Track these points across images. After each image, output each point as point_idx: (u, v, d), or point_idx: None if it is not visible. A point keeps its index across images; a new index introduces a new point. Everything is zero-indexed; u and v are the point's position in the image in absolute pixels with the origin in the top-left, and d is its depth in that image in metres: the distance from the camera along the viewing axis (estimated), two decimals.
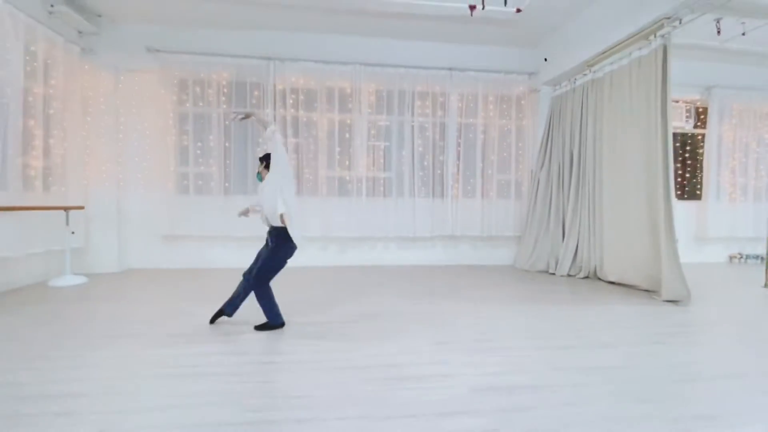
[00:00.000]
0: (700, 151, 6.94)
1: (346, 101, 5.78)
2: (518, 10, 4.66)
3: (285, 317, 3.02)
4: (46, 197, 4.57)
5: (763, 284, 4.72)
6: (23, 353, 2.40)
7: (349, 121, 5.79)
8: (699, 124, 6.93)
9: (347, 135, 5.80)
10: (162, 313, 3.32)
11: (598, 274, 5.05)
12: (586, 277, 5.19)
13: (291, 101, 5.68)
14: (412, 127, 5.91)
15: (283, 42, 5.64)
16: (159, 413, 1.72)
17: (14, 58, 4.01)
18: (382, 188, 5.90)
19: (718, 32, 5.06)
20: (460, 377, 2.11)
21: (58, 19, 4.68)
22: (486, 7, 4.56)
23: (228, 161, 5.65)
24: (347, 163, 5.81)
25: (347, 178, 5.83)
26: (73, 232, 4.78)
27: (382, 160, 5.92)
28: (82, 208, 4.92)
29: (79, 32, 5.10)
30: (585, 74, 5.29)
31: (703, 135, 6.86)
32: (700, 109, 6.90)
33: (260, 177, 3.01)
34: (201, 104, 5.55)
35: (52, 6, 4.51)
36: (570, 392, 1.96)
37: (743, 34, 5.08)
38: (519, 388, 1.99)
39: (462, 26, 5.45)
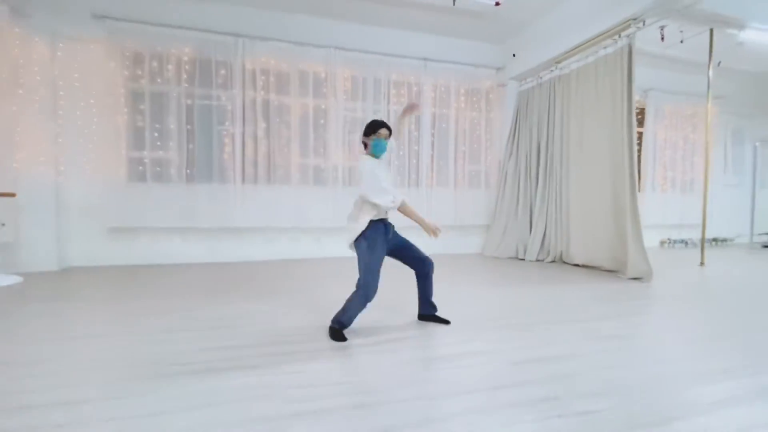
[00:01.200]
0: (638, 147, 7.72)
1: (321, 86, 5.56)
2: (497, 3, 4.80)
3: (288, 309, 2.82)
4: None
5: (699, 263, 5.38)
6: None
7: (324, 107, 5.58)
8: (637, 123, 7.70)
9: (322, 121, 5.59)
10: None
11: (564, 258, 5.41)
12: (553, 261, 5.54)
13: (261, 83, 5.33)
14: (388, 115, 5.85)
15: (253, 18, 5.26)
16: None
17: None
18: (358, 177, 5.76)
19: (662, 39, 5.65)
20: (493, 354, 2.12)
21: None
22: None
23: (191, 146, 5.16)
24: (322, 150, 5.61)
25: (322, 166, 5.62)
26: (2, 224, 4.06)
27: (358, 149, 5.80)
28: (13, 195, 4.20)
29: None
30: (551, 70, 5.62)
31: (641, 133, 7.64)
32: (638, 109, 7.67)
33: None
34: (159, 81, 5.00)
35: None
36: (603, 357, 2.05)
37: (681, 41, 5.72)
38: (555, 358, 2.05)
39: (438, 17, 5.50)
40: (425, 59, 5.97)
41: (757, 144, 8.63)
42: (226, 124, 5.22)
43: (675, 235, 7.87)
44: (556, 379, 1.80)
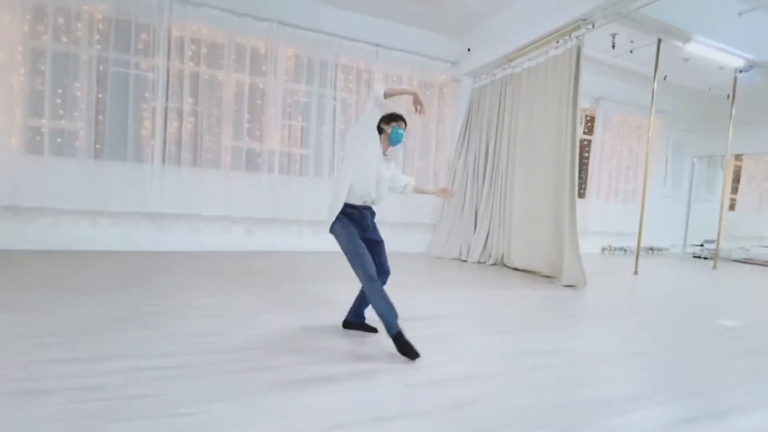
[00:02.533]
0: (587, 155, 7.83)
1: (260, 63, 5.09)
2: None
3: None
4: None
5: (633, 272, 5.46)
6: None
7: (262, 86, 5.12)
8: (587, 130, 7.81)
9: (259, 102, 5.13)
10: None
11: (505, 261, 5.31)
12: (494, 264, 5.43)
13: (190, 53, 4.78)
14: (334, 102, 5.48)
15: None
16: None
17: None
18: (298, 166, 5.37)
19: (613, 46, 5.66)
20: (387, 375, 1.85)
21: None
22: None
23: (101, 117, 4.54)
24: (258, 134, 5.15)
25: (257, 150, 5.16)
26: None
27: (299, 135, 5.39)
28: None
29: None
30: (504, 68, 5.47)
31: (590, 141, 7.75)
32: (589, 117, 7.77)
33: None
34: (65, 40, 4.34)
35: None
36: (510, 379, 1.84)
37: (631, 51, 5.76)
38: (456, 380, 1.81)
39: (392, 0, 5.18)
40: (378, 45, 5.64)
41: (695, 159, 9.06)
42: (146, 96, 4.64)
43: (616, 243, 8.09)
44: (450, 407, 1.55)
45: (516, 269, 5.09)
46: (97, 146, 4.52)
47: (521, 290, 3.94)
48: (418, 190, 2.52)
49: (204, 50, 4.83)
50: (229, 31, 4.90)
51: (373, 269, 2.07)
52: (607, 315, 3.23)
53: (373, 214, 2.30)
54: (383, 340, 2.18)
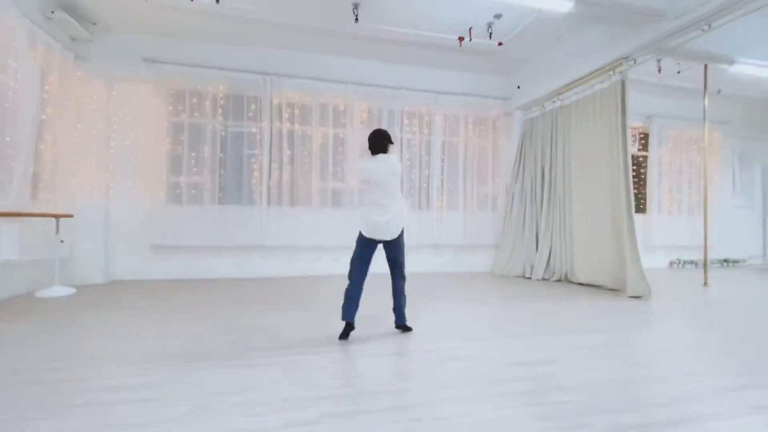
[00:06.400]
0: (643, 170, 7.98)
1: (340, 117, 6.11)
2: (500, 44, 5.28)
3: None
4: (34, 204, 4.42)
5: (702, 283, 5.56)
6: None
7: (342, 136, 6.12)
8: (641, 147, 8.00)
9: (340, 148, 6.11)
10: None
11: (569, 277, 5.68)
12: (559, 280, 5.80)
13: (287, 115, 5.91)
14: (401, 143, 6.34)
15: (279, 59, 5.89)
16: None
17: (24, 66, 3.98)
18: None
19: (659, 71, 6.03)
20: (487, 358, 2.47)
21: (54, 25, 4.63)
22: (473, 39, 5.14)
23: (222, 171, 5.73)
24: (340, 175, 6.11)
25: (340, 189, 6.11)
26: (62, 241, 4.63)
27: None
28: (71, 216, 4.78)
29: (72, 39, 5.04)
30: (554, 101, 6.03)
31: (646, 157, 7.92)
32: (642, 135, 7.97)
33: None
34: (197, 115, 5.62)
35: (52, 12, 4.47)
36: (585, 363, 2.37)
37: (678, 72, 6.08)
38: (542, 362, 2.38)
39: (447, 54, 6.02)
40: (436, 92, 6.48)
41: (766, 166, 8.77)
42: (255, 151, 5.79)
43: (685, 256, 7.99)
44: (538, 377, 2.14)
45: (581, 284, 5.44)
46: (220, 194, 5.69)
47: (588, 301, 4.33)
48: None
49: (296, 111, 5.95)
50: (314, 95, 6.00)
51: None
52: (671, 319, 3.57)
53: None
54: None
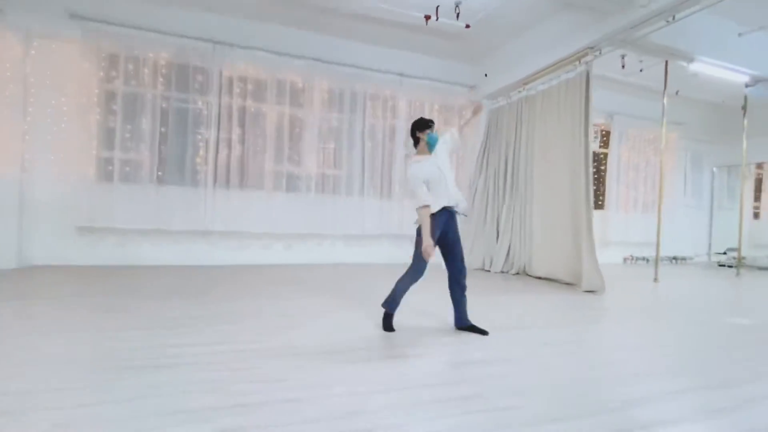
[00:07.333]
0: (603, 168, 8.09)
1: (298, 96, 5.69)
2: (467, 26, 5.05)
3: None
4: None
5: (653, 279, 5.66)
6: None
7: (300, 116, 5.70)
8: (602, 144, 8.09)
9: (297, 130, 5.71)
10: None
11: (527, 270, 5.61)
12: (517, 274, 5.73)
13: (238, 90, 5.42)
14: (363, 127, 6.01)
15: (232, 26, 5.36)
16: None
17: None
18: (331, 185, 5.89)
19: (623, 66, 6.02)
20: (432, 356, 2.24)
21: None
22: (440, 19, 4.88)
23: (163, 147, 5.18)
24: (296, 158, 5.71)
25: (296, 173, 5.71)
26: None
27: (332, 158, 5.92)
28: None
29: None
30: (520, 91, 5.90)
31: (606, 154, 8.02)
32: (604, 132, 8.06)
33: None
34: (133, 83, 5.03)
35: None
36: (537, 362, 2.19)
37: (641, 70, 6.10)
38: (494, 360, 2.18)
39: (413, 34, 5.72)
40: (401, 75, 6.18)
41: (714, 169, 9.17)
42: (201, 128, 5.27)
43: (638, 253, 8.22)
44: (482, 379, 1.92)
45: (538, 278, 5.38)
46: (159, 173, 5.15)
47: (544, 295, 4.24)
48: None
49: (249, 86, 5.47)
50: (271, 69, 5.53)
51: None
52: (623, 314, 3.51)
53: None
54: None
